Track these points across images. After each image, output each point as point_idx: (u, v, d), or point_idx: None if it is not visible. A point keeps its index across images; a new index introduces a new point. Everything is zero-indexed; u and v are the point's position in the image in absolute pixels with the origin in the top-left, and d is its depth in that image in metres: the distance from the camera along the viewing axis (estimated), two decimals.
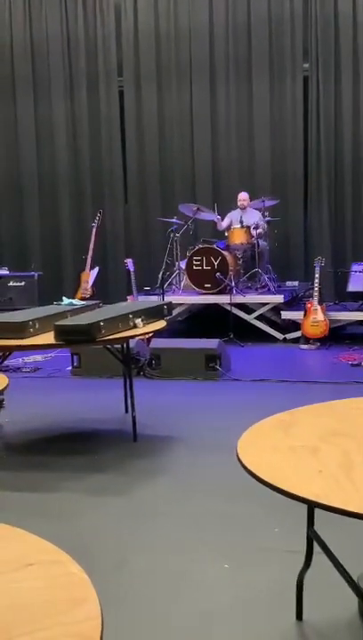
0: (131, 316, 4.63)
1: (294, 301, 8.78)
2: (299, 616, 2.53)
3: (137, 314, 4.70)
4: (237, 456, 2.14)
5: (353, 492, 1.84)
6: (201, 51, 9.93)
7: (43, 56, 10.35)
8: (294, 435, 2.39)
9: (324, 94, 9.63)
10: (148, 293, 8.75)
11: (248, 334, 8.10)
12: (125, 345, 4.83)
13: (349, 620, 2.53)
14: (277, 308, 8.42)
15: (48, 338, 4.36)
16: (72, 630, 1.21)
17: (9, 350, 4.72)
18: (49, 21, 10.28)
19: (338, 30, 9.57)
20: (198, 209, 9.01)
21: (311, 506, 2.09)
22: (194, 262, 8.44)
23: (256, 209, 8.87)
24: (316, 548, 2.48)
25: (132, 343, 5.47)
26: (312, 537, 2.47)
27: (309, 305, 8.00)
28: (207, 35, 9.90)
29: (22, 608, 1.28)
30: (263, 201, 8.83)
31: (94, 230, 9.55)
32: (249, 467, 2.03)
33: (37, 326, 4.46)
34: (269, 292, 8.45)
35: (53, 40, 10.27)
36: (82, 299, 8.13)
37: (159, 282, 8.40)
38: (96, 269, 9.50)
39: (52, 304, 5.49)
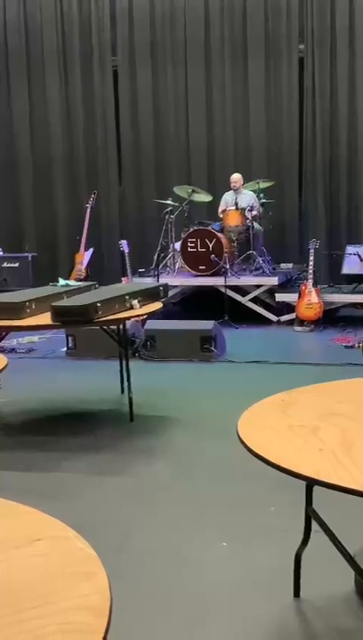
0: (127, 297, 4.64)
1: (289, 284, 8.80)
2: (296, 593, 2.57)
3: (133, 295, 4.70)
4: (239, 435, 2.16)
5: (354, 470, 1.87)
6: (196, 31, 9.84)
7: (36, 36, 10.24)
8: (293, 414, 2.41)
9: (319, 75, 9.58)
10: (142, 275, 8.74)
11: (243, 316, 8.11)
12: (121, 326, 4.84)
13: (345, 597, 2.57)
14: (271, 291, 8.43)
15: (45, 318, 4.37)
16: (82, 603, 1.23)
17: (6, 331, 4.73)
18: (43, 0, 10.17)
19: (334, 11, 9.51)
20: (193, 190, 8.99)
21: (312, 483, 2.11)
22: (189, 244, 8.44)
23: (251, 190, 8.86)
24: (313, 526, 2.51)
25: (127, 325, 5.47)
26: (311, 515, 2.50)
27: (303, 287, 8.01)
28: (203, 14, 9.81)
29: (31, 582, 1.30)
30: (258, 182, 8.81)
31: (88, 211, 9.50)
32: (251, 445, 2.05)
33: (34, 307, 4.46)
34: (263, 274, 8.46)
35: (47, 19, 10.16)
36: (76, 280, 8.12)
37: (154, 263, 8.40)
38: (90, 251, 9.47)
39: (48, 285, 5.48)
